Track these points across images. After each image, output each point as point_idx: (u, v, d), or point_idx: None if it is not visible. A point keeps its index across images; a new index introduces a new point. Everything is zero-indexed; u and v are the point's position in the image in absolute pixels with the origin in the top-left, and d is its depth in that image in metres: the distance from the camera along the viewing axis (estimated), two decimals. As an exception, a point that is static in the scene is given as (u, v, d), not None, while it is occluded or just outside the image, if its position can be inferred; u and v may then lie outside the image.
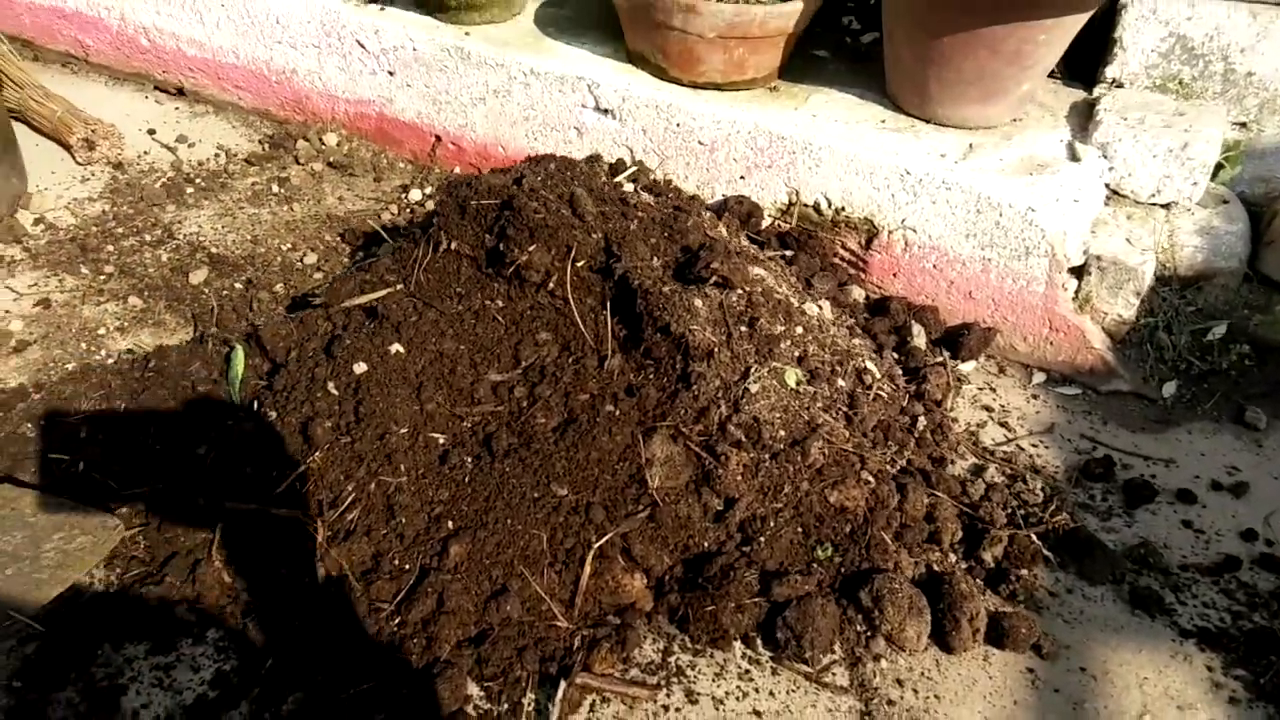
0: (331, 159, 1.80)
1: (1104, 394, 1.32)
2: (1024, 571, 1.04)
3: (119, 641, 0.97)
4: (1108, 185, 1.37)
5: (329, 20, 1.71)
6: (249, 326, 1.32)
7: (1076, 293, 1.31)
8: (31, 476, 1.11)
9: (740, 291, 1.16)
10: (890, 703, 0.95)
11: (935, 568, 1.04)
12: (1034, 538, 1.06)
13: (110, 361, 1.28)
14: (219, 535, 1.03)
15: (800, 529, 1.05)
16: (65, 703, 0.93)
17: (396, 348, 1.15)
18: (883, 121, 1.45)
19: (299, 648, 0.95)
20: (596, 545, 1.00)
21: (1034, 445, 1.24)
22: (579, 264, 1.17)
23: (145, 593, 1.00)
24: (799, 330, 1.18)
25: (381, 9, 1.70)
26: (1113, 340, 1.32)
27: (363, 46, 1.71)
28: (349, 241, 1.59)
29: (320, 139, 1.82)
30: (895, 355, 1.32)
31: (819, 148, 1.40)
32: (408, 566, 0.98)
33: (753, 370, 1.10)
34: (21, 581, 1.00)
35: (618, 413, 1.08)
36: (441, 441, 1.08)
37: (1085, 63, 1.51)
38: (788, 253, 1.40)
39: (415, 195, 1.73)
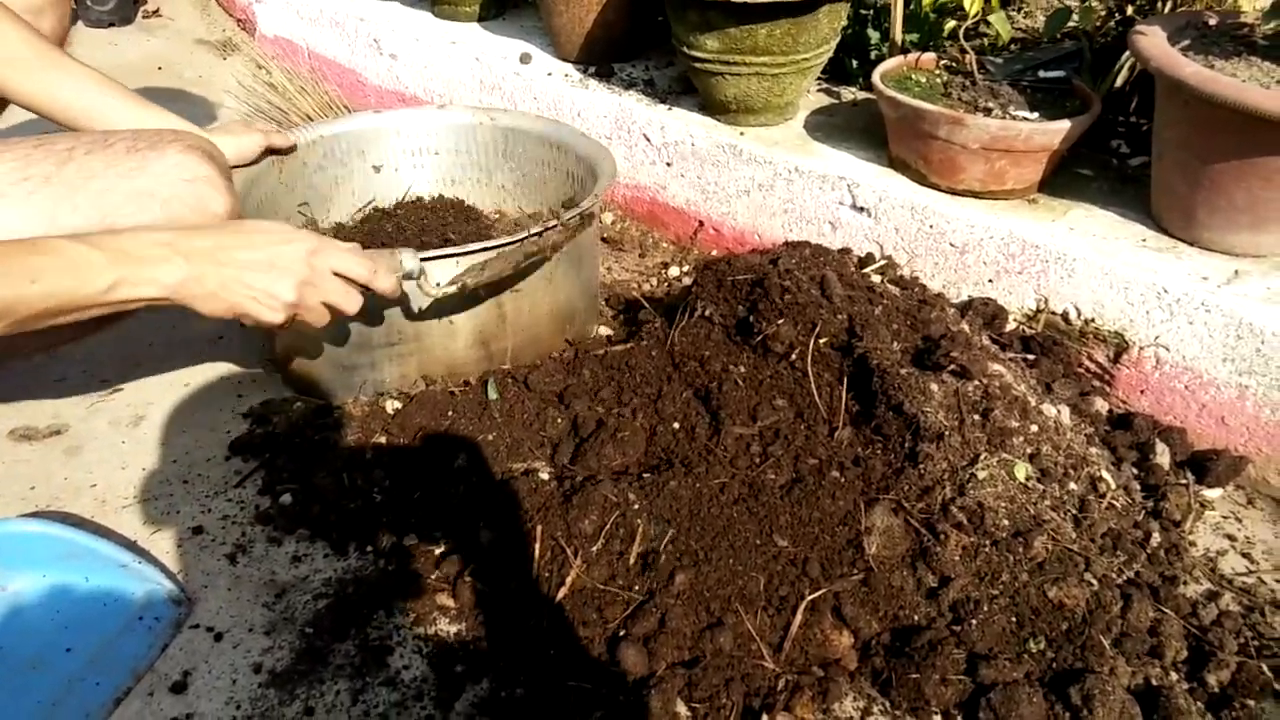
0: (605, 235, 2.01)
1: (1371, 543, 1.23)
2: (1251, 702, 0.99)
3: (391, 611, 1.15)
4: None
5: (622, 116, 1.94)
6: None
7: (1344, 431, 1.25)
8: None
9: (977, 383, 1.20)
10: (1091, 805, 0.93)
11: (1154, 681, 1.02)
12: (1265, 669, 1.01)
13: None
14: (479, 549, 1.19)
15: (1014, 618, 1.06)
16: (344, 652, 1.10)
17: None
18: (1143, 240, 1.45)
19: (533, 647, 1.07)
20: (810, 598, 1.07)
21: (1278, 581, 1.18)
22: (821, 340, 1.26)
23: (415, 585, 1.16)
24: (1034, 429, 1.20)
25: (669, 108, 1.91)
26: (1386, 488, 1.24)
27: (648, 139, 1.92)
28: (611, 305, 1.76)
29: (600, 218, 2.04)
30: (1135, 470, 1.30)
31: (1073, 258, 1.43)
32: (636, 587, 1.09)
33: (981, 458, 1.13)
34: (323, 546, 1.20)
35: (843, 480, 1.15)
36: (679, 483, 1.19)
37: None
38: (1030, 356, 1.42)
39: (674, 271, 1.90)
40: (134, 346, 1.62)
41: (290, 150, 1.60)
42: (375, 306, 1.32)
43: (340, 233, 1.72)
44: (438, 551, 1.22)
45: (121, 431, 1.45)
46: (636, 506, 1.14)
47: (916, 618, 1.07)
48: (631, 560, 1.11)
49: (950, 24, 1.66)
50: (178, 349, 1.62)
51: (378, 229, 1.69)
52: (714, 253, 1.92)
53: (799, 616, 1.06)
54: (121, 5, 3.25)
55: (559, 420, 1.34)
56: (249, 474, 1.36)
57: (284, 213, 1.65)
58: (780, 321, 1.28)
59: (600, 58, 2.10)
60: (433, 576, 1.18)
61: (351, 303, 1.13)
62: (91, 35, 3.18)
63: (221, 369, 1.59)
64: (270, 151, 1.56)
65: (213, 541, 1.25)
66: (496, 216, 1.82)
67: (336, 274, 1.11)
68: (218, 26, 3.32)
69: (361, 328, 1.36)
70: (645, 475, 1.20)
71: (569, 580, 1.09)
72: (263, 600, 1.17)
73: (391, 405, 1.42)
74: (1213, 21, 1.46)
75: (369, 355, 1.40)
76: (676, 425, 1.28)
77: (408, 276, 1.20)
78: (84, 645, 1.09)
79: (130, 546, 1.23)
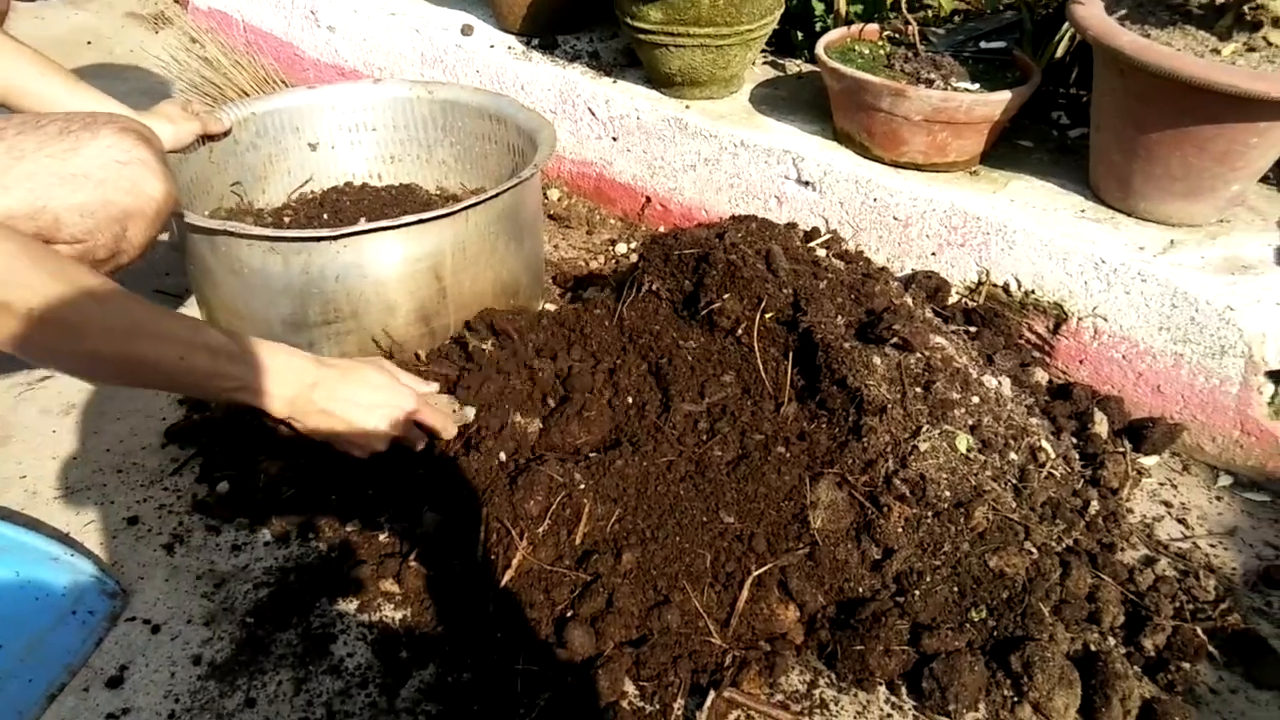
0: (552, 212, 1.99)
1: (1299, 505, 1.27)
2: (1186, 664, 1.02)
3: (334, 598, 1.13)
4: (1320, 292, 1.33)
5: (567, 90, 1.91)
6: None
7: (1273, 398, 1.28)
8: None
9: (919, 355, 1.21)
10: (1031, 769, 0.95)
11: (1092, 647, 1.04)
12: (1200, 632, 1.04)
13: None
14: (423, 533, 1.17)
15: (956, 588, 1.08)
16: (285, 642, 1.08)
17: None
18: (1082, 211, 1.47)
19: (480, 631, 1.06)
20: (756, 573, 1.07)
21: (1212, 545, 1.21)
22: (768, 315, 1.26)
23: (359, 572, 1.14)
24: (975, 400, 1.21)
25: (614, 81, 1.88)
26: (1314, 451, 1.27)
27: (593, 114, 1.90)
28: (559, 284, 1.75)
29: (545, 193, 2.02)
30: (1074, 440, 1.32)
31: (1014, 230, 1.44)
32: (584, 567, 1.08)
33: (924, 430, 1.14)
34: (263, 534, 1.18)
35: (788, 454, 1.16)
36: (625, 461, 1.18)
37: (1307, 169, 1.48)
38: (972, 328, 1.44)
39: (621, 249, 1.88)
40: (64, 332, 1.57)
41: (226, 134, 1.56)
42: (302, 283, 1.30)
43: (279, 215, 1.68)
44: (382, 537, 1.20)
45: (52, 420, 1.41)
46: (583, 486, 1.13)
47: (861, 590, 1.08)
48: (578, 541, 1.10)
49: (892, -4, 1.65)
50: (110, 334, 1.57)
51: (314, 214, 1.65)
52: (661, 228, 1.91)
53: (745, 592, 1.06)
54: (46, -24, 3.13)
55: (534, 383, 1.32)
56: (185, 461, 1.33)
57: (216, 193, 1.60)
58: (726, 296, 1.27)
59: (544, 29, 2.07)
60: (377, 562, 1.16)
61: (419, 445, 1.22)
62: (17, 8, 3.05)
63: (156, 354, 1.54)
64: (206, 138, 1.52)
65: (149, 532, 1.22)
66: (438, 194, 1.78)
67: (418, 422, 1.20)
68: (149, -2, 3.21)
69: (295, 305, 1.33)
70: (592, 455, 1.19)
71: (515, 563, 1.08)
72: (201, 591, 1.14)
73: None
74: (1149, -8, 1.47)
75: (306, 334, 1.37)
76: (630, 400, 1.27)
77: (465, 426, 1.24)
78: (14, 641, 1.06)
79: (62, 539, 1.20)
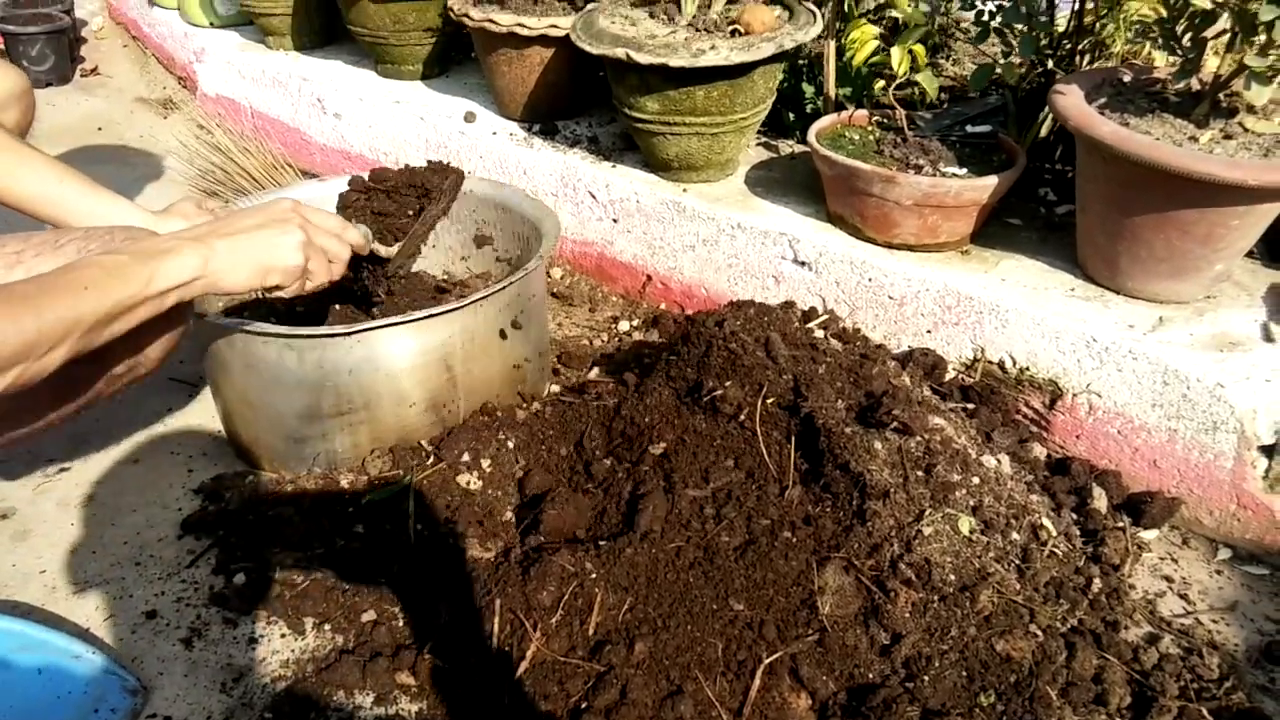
0: (555, 290, 2.03)
1: (1298, 577, 1.29)
2: (1193, 745, 1.03)
3: (350, 691, 1.14)
4: (1306, 366, 1.37)
5: (568, 174, 1.97)
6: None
7: (1267, 472, 1.31)
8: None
9: (919, 439, 1.24)
10: None
11: (1100, 728, 1.05)
12: (1205, 713, 1.05)
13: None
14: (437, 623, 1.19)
15: (965, 673, 1.09)
16: (304, 736, 1.10)
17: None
18: (1072, 289, 1.51)
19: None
20: (767, 661, 1.09)
21: (1214, 621, 1.23)
22: (769, 401, 1.30)
23: (374, 664, 1.16)
24: (975, 480, 1.24)
25: (614, 166, 1.94)
26: (1309, 523, 1.30)
27: (593, 197, 1.96)
28: (564, 363, 1.78)
29: (548, 272, 2.07)
30: (1074, 516, 1.35)
31: (1006, 309, 1.48)
32: (597, 658, 1.10)
33: (926, 514, 1.17)
34: (280, 628, 1.20)
35: (794, 539, 1.18)
36: (635, 549, 1.21)
37: (1288, 244, 1.53)
38: (969, 405, 1.47)
39: (624, 325, 1.93)
40: (81, 423, 1.59)
41: None
42: (317, 377, 1.34)
43: (295, 303, 1.72)
44: (398, 627, 1.22)
45: (70, 513, 1.43)
46: (594, 576, 1.16)
47: (871, 675, 1.10)
48: (590, 630, 1.12)
49: (879, 84, 1.72)
50: (126, 425, 1.61)
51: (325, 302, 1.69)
52: (662, 306, 1.95)
53: (757, 680, 1.08)
54: (59, 64, 3.22)
55: (514, 488, 1.35)
56: (202, 553, 1.35)
57: (231, 284, 1.65)
58: (728, 384, 1.31)
59: (544, 116, 2.13)
60: (392, 653, 1.18)
61: (342, 249, 1.24)
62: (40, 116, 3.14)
63: (172, 444, 1.57)
64: None
65: (167, 626, 1.24)
66: (444, 279, 1.83)
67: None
68: (158, 84, 3.30)
69: (310, 399, 1.36)
70: (601, 542, 1.21)
71: (529, 654, 1.10)
72: (220, 685, 1.16)
73: (346, 479, 1.42)
74: (1127, 78, 1.54)
75: (319, 426, 1.40)
76: (636, 486, 1.30)
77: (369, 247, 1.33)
78: (36, 743, 1.07)
79: (83, 635, 1.21)
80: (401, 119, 2.27)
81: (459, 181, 1.58)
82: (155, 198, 2.40)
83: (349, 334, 1.30)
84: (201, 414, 1.63)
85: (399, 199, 1.52)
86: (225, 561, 1.33)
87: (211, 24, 2.96)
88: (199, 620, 1.25)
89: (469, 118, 2.18)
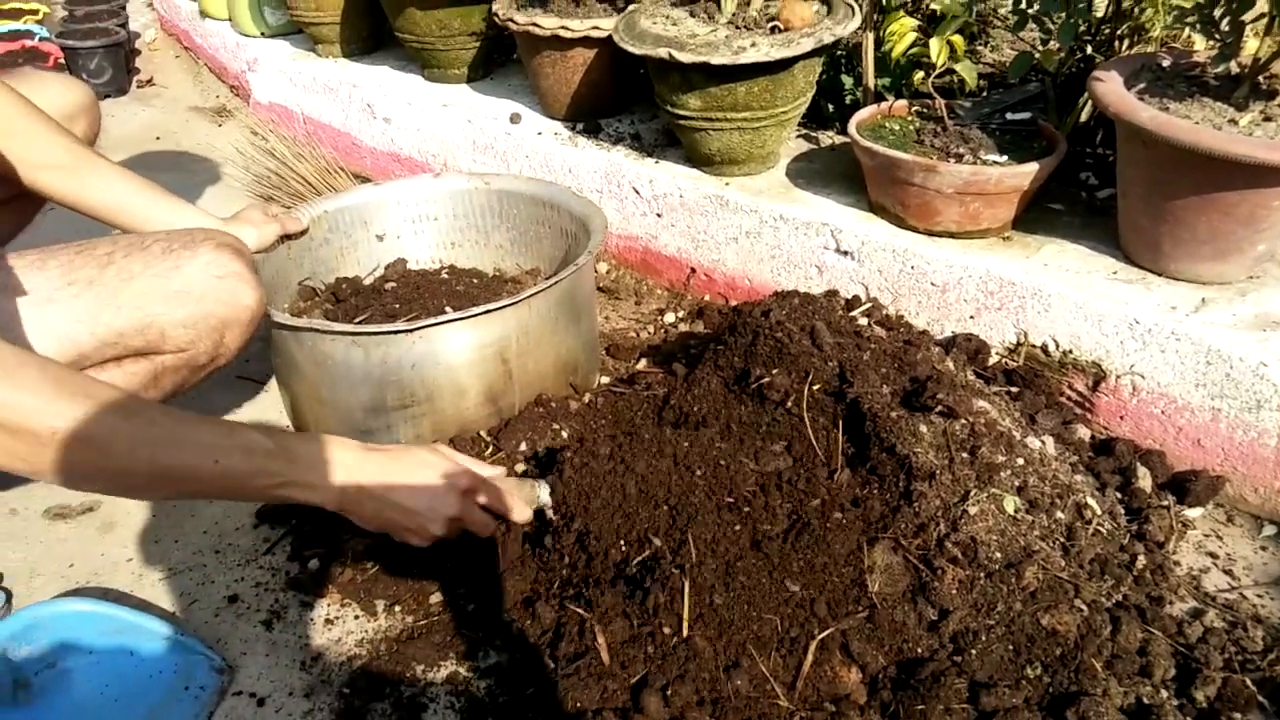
0: (602, 284, 2.09)
1: (1345, 553, 1.30)
2: (1236, 715, 1.06)
3: (423, 668, 1.21)
4: (1352, 344, 1.38)
5: (612, 171, 2.02)
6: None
7: (1312, 448, 1.32)
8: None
9: (964, 421, 1.28)
10: (1092, 821, 1.00)
11: (1145, 700, 1.08)
12: (1249, 683, 1.08)
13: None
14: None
15: (1011, 647, 1.13)
16: (381, 711, 1.16)
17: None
18: (1114, 273, 1.53)
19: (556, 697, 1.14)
20: (819, 637, 1.13)
21: (1259, 595, 1.25)
22: (815, 387, 1.34)
23: (447, 639, 1.23)
24: (1020, 461, 1.27)
25: (657, 162, 1.99)
26: (1355, 499, 1.31)
27: (637, 192, 2.00)
28: (612, 354, 1.83)
29: (595, 267, 2.12)
30: (1118, 495, 1.37)
31: (1049, 294, 1.51)
32: (668, 630, 1.15)
33: (972, 494, 1.20)
34: (355, 610, 1.27)
35: (844, 520, 1.22)
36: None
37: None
38: (1013, 389, 1.50)
39: (669, 318, 1.97)
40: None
41: (303, 234, 1.69)
42: (381, 372, 1.40)
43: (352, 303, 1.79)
44: (469, 607, 1.28)
45: (150, 506, 1.51)
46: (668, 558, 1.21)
47: (919, 650, 1.14)
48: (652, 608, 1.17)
49: (919, 75, 1.74)
50: (199, 421, 1.69)
51: (384, 301, 1.76)
52: (707, 298, 2.00)
53: (810, 656, 1.12)
54: (117, 76, 3.34)
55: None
56: (277, 541, 1.42)
57: (293, 286, 1.72)
58: (775, 372, 1.35)
59: (587, 115, 2.19)
60: (459, 633, 1.24)
61: (487, 530, 1.21)
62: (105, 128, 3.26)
63: (242, 439, 1.65)
64: (285, 237, 1.64)
65: (248, 609, 1.32)
66: (495, 275, 1.89)
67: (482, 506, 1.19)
68: (211, 93, 3.40)
69: (375, 393, 1.43)
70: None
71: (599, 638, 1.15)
72: (300, 663, 1.23)
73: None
74: (1166, 63, 1.55)
75: (384, 418, 1.47)
76: (697, 473, 1.34)
77: (540, 507, 1.24)
78: (134, 717, 1.15)
79: (171, 619, 1.29)
80: (449, 122, 2.34)
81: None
82: (215, 202, 2.50)
83: (411, 330, 1.37)
84: (269, 408, 1.71)
85: None
86: (299, 548, 1.40)
87: (262, 34, 3.05)
88: (277, 604, 1.32)
89: (514, 119, 2.24)
